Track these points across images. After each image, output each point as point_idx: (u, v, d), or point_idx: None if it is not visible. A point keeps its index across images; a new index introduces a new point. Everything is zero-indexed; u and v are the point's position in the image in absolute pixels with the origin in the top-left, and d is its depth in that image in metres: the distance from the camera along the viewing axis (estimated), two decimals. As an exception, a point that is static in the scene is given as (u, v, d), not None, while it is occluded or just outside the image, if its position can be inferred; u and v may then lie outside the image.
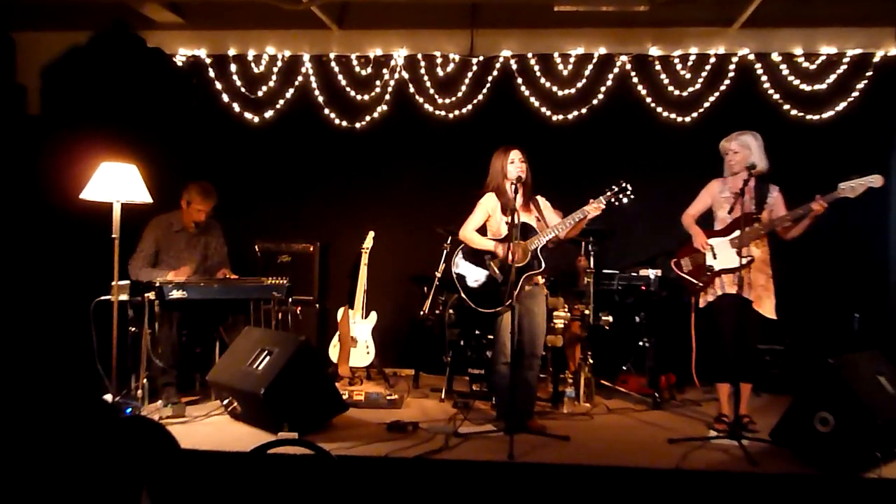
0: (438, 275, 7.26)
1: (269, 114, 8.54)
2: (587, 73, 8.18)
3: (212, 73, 8.52)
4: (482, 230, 5.89)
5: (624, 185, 5.49)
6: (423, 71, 8.38)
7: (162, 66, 8.32)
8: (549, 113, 8.23)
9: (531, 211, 5.77)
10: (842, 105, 7.88)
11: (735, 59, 8.02)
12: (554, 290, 6.80)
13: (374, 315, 7.75)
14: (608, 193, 5.50)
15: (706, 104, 8.05)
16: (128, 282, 6.26)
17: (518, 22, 8.14)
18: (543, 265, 5.62)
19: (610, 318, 6.83)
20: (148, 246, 6.61)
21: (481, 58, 8.30)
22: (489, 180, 5.82)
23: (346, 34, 8.35)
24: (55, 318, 6.99)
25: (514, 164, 5.68)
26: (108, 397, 5.82)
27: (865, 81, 7.85)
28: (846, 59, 7.87)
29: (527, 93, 8.24)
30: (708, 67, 8.04)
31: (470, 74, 8.31)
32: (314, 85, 8.49)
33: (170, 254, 6.68)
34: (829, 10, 7.59)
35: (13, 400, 2.74)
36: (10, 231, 7.48)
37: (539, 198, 5.88)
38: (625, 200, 5.50)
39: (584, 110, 8.20)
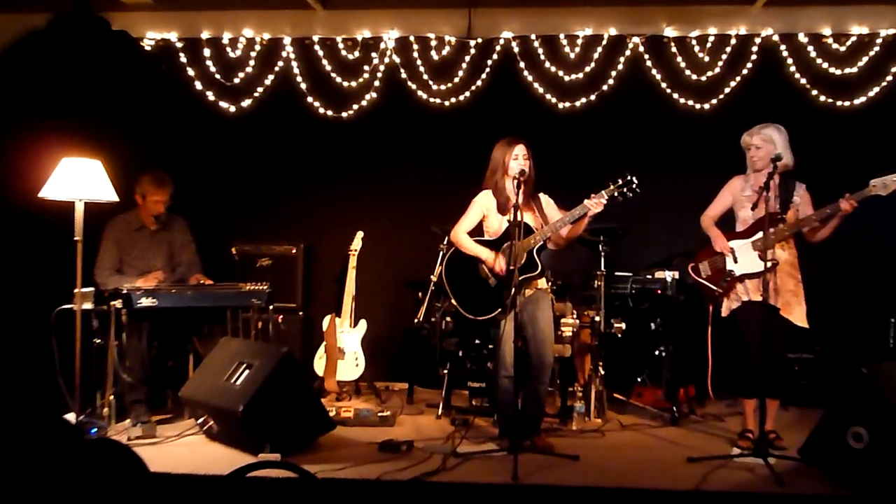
0: (434, 279, 7.25)
1: (246, 102, 8.54)
2: (596, 56, 8.20)
3: (183, 59, 8.53)
4: (479, 231, 5.89)
5: (629, 177, 5.41)
6: (416, 54, 8.38)
7: (128, 50, 8.30)
8: (554, 100, 8.24)
9: (532, 210, 5.77)
10: (875, 90, 7.91)
11: (758, 41, 8.04)
12: (561, 294, 6.80)
13: (363, 323, 7.74)
14: (611, 187, 5.42)
15: (726, 90, 8.07)
16: (92, 289, 6.24)
17: (520, 0, 8.14)
18: (540, 267, 5.60)
19: (623, 326, 6.82)
20: (109, 251, 6.59)
21: (480, 40, 8.31)
22: (488, 175, 5.82)
23: (331, 14, 8.35)
24: (12, 329, 6.97)
25: (517, 161, 5.67)
26: (71, 417, 5.81)
27: (900, 64, 7.89)
28: (879, 40, 7.89)
29: (530, 78, 8.25)
30: (728, 49, 8.07)
31: (468, 58, 8.33)
32: (296, 71, 8.50)
33: (132, 255, 6.66)
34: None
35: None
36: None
37: (542, 196, 5.88)
38: (630, 195, 5.43)
39: (592, 97, 8.22)
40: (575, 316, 6.66)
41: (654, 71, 8.14)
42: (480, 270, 5.78)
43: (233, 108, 8.55)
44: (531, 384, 5.65)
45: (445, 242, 7.23)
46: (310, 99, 8.49)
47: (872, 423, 4.78)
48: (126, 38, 8.30)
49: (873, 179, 5.41)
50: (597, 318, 6.78)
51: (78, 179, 5.95)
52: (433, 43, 8.36)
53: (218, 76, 8.52)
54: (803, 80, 7.96)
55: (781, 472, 4.98)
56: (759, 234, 5.56)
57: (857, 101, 7.92)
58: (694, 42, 8.10)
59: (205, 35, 8.51)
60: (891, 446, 4.68)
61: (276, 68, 8.51)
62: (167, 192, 6.68)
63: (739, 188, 5.94)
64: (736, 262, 5.79)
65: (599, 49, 8.19)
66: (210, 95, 8.53)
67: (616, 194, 5.40)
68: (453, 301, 5.88)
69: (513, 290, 5.36)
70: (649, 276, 7.30)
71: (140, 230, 6.72)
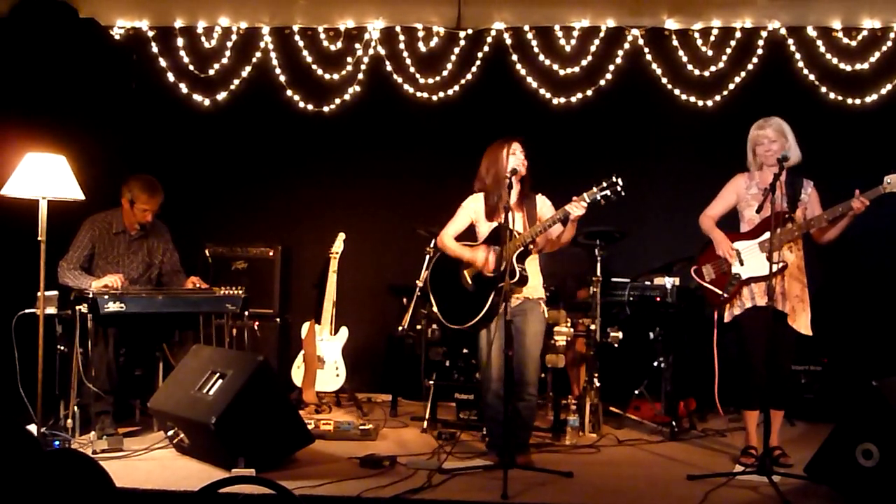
0: (420, 284, 7.25)
1: (221, 95, 8.54)
2: (593, 48, 8.22)
3: (155, 49, 8.51)
4: (470, 237, 5.90)
5: (614, 178, 5.38)
6: (402, 46, 8.39)
7: (96, 40, 8.28)
8: (548, 95, 8.25)
9: (523, 212, 5.77)
10: (887, 87, 7.93)
11: (764, 34, 8.06)
12: (555, 301, 6.79)
13: (344, 331, 7.73)
14: (594, 189, 5.41)
15: (731, 86, 8.10)
16: (56, 293, 6.21)
17: (512, -11, 8.15)
18: (519, 275, 5.58)
19: (620, 335, 6.82)
20: (83, 246, 6.55)
21: (470, 31, 8.31)
22: (482, 176, 5.80)
23: (312, 3, 8.29)
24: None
25: (514, 156, 5.68)
26: (33, 428, 5.77)
27: (914, 60, 7.92)
28: (892, 35, 7.92)
29: (523, 71, 8.27)
30: (733, 43, 8.09)
31: (457, 50, 8.34)
32: (275, 62, 8.49)
33: (107, 259, 6.62)
34: (873, -23, 7.64)
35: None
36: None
37: (539, 197, 5.89)
38: (614, 198, 5.39)
39: (589, 92, 8.24)
40: (569, 324, 6.66)
41: (654, 65, 8.16)
42: (462, 278, 5.80)
43: (207, 102, 8.53)
44: (512, 401, 5.60)
45: (432, 246, 7.23)
46: (289, 92, 8.48)
47: (883, 439, 4.78)
48: (94, 27, 8.27)
49: (888, 176, 5.42)
50: (592, 327, 6.78)
51: (42, 176, 5.89)
52: (420, 34, 8.36)
53: (192, 67, 8.50)
54: (812, 77, 7.98)
55: (787, 490, 4.97)
56: (767, 235, 5.57)
57: (868, 99, 7.94)
58: (697, 35, 8.12)
59: (178, 24, 8.48)
60: (902, 464, 4.70)
61: (254, 59, 8.49)
62: (157, 201, 6.64)
63: (744, 186, 5.94)
64: (742, 264, 5.79)
65: (597, 41, 8.20)
66: (183, 88, 8.51)
67: (599, 197, 5.38)
68: (434, 309, 5.90)
69: (501, 298, 5.34)
70: (648, 283, 7.27)
71: (120, 234, 6.69)
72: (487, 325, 5.57)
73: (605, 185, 5.38)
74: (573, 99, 8.24)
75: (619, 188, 5.36)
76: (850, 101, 7.96)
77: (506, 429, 5.40)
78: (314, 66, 8.45)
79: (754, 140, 5.87)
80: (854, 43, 7.95)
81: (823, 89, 7.97)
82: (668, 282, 7.13)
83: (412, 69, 8.37)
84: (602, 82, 8.21)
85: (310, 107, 8.49)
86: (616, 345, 6.84)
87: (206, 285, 6.72)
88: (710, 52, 8.10)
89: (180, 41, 8.49)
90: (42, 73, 7.66)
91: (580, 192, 5.41)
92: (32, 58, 7.73)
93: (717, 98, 8.10)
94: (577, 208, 5.38)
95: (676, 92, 8.13)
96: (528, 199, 5.82)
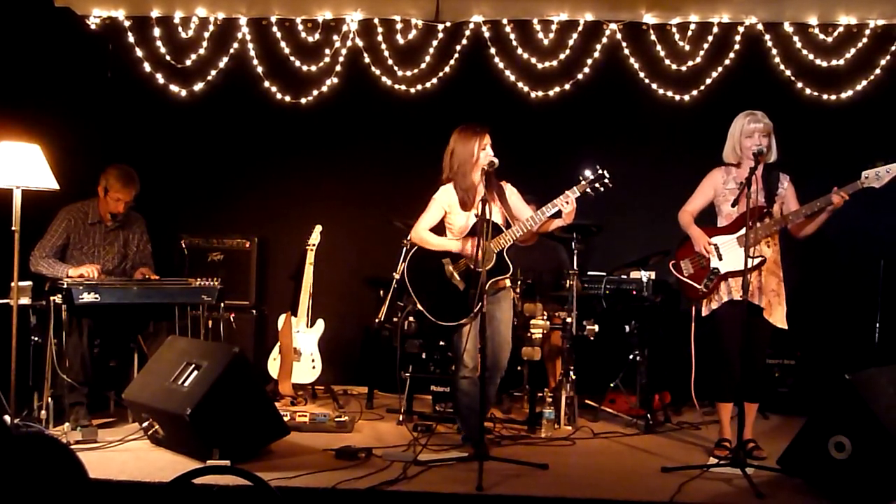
0: (397, 276, 7.23)
1: (198, 86, 8.49)
2: (571, 42, 8.23)
3: (131, 38, 8.44)
4: (440, 230, 5.89)
5: (599, 171, 5.44)
6: (380, 38, 8.37)
7: (72, 28, 8.22)
8: (526, 88, 8.27)
9: (495, 202, 5.77)
10: (863, 83, 7.98)
11: (741, 29, 8.10)
12: (531, 294, 6.80)
13: (321, 323, 7.73)
14: (582, 183, 5.45)
15: (708, 80, 8.13)
16: (30, 283, 6.18)
17: (491, -18, 8.15)
18: (511, 269, 5.63)
19: (596, 328, 6.83)
20: (57, 235, 6.53)
21: (448, 23, 8.30)
22: (452, 167, 5.79)
23: (290, -7, 8.33)
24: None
25: (485, 150, 5.68)
26: (6, 420, 5.74)
27: (889, 56, 7.96)
28: (868, 31, 7.97)
29: (501, 65, 8.27)
30: (710, 38, 8.12)
31: (435, 43, 8.32)
32: (252, 53, 8.46)
33: (82, 250, 6.60)
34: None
35: None
36: None
37: (505, 184, 5.89)
38: (602, 189, 5.44)
39: (567, 86, 8.26)
40: (545, 317, 6.68)
41: (632, 59, 8.18)
42: (446, 273, 5.78)
43: (184, 92, 8.49)
44: (486, 386, 5.60)
45: (408, 238, 7.23)
46: (266, 83, 8.46)
47: (855, 432, 4.82)
48: (69, 15, 8.22)
49: (865, 171, 5.45)
50: (568, 320, 6.78)
51: (15, 165, 5.85)
52: (399, 26, 8.34)
53: (168, 58, 8.45)
54: (788, 72, 8.03)
55: (760, 483, 5.02)
56: (745, 229, 5.56)
57: (844, 95, 8.00)
58: (674, 30, 8.14)
59: (155, 13, 8.42)
60: (874, 456, 4.72)
61: (231, 50, 8.46)
62: (132, 192, 6.61)
63: (721, 181, 5.94)
64: (721, 259, 5.81)
65: (575, 35, 8.21)
66: (160, 78, 8.47)
67: (588, 190, 5.42)
68: (419, 306, 5.88)
69: (483, 290, 5.35)
70: (624, 276, 7.29)
71: (95, 225, 6.66)
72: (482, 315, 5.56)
73: (592, 177, 5.42)
74: (551, 92, 8.25)
75: (606, 179, 5.42)
76: (826, 96, 8.01)
77: (481, 421, 5.41)
78: (292, 58, 8.42)
79: (745, 132, 5.76)
80: (830, 39, 7.99)
81: (800, 85, 8.02)
82: (644, 275, 7.16)
83: (390, 61, 8.36)
84: (580, 76, 8.23)
85: (287, 98, 8.46)
86: (592, 338, 6.85)
87: (156, 277, 6.70)
88: (687, 47, 8.13)
89: (157, 31, 8.43)
90: (16, 61, 7.59)
91: (558, 185, 5.43)
92: (6, 46, 7.67)
93: (695, 93, 8.14)
94: (566, 204, 5.40)
95: (654, 86, 8.16)
96: (499, 188, 5.82)
